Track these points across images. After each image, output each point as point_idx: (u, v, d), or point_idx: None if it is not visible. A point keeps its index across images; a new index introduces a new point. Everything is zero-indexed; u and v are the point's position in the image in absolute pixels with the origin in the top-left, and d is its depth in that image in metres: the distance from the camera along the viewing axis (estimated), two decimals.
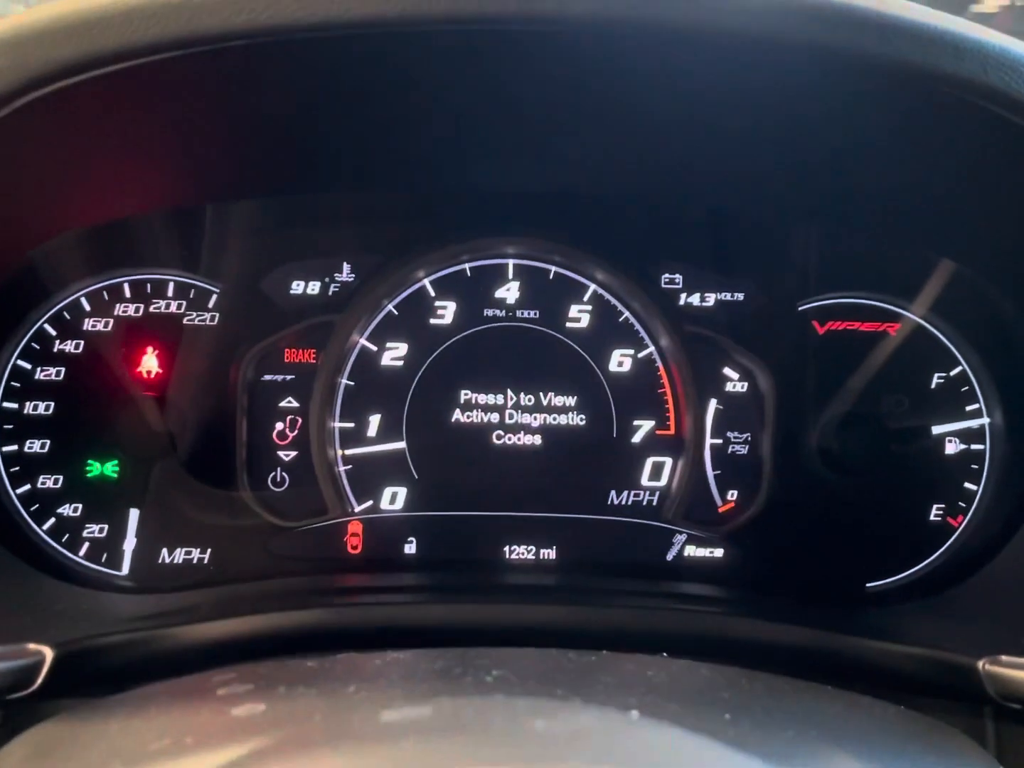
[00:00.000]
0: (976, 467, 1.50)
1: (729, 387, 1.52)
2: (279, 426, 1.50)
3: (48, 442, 1.45)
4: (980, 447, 1.51)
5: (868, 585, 1.50)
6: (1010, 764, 1.12)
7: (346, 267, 1.50)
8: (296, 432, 1.49)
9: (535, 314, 1.52)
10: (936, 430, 1.50)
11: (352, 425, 1.50)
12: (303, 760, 0.68)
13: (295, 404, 1.49)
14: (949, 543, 1.50)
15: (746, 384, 1.52)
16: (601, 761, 0.68)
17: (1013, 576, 1.40)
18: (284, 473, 1.50)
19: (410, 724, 0.73)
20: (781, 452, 1.51)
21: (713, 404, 1.52)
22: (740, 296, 1.52)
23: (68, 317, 1.47)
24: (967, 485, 1.50)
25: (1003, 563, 1.42)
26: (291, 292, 1.49)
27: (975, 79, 0.97)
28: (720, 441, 1.52)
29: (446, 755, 0.65)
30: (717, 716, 0.86)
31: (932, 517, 1.51)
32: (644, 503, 1.52)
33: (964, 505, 1.50)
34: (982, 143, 1.08)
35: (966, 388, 1.51)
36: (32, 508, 1.45)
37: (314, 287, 1.50)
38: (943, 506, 1.51)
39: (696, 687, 0.98)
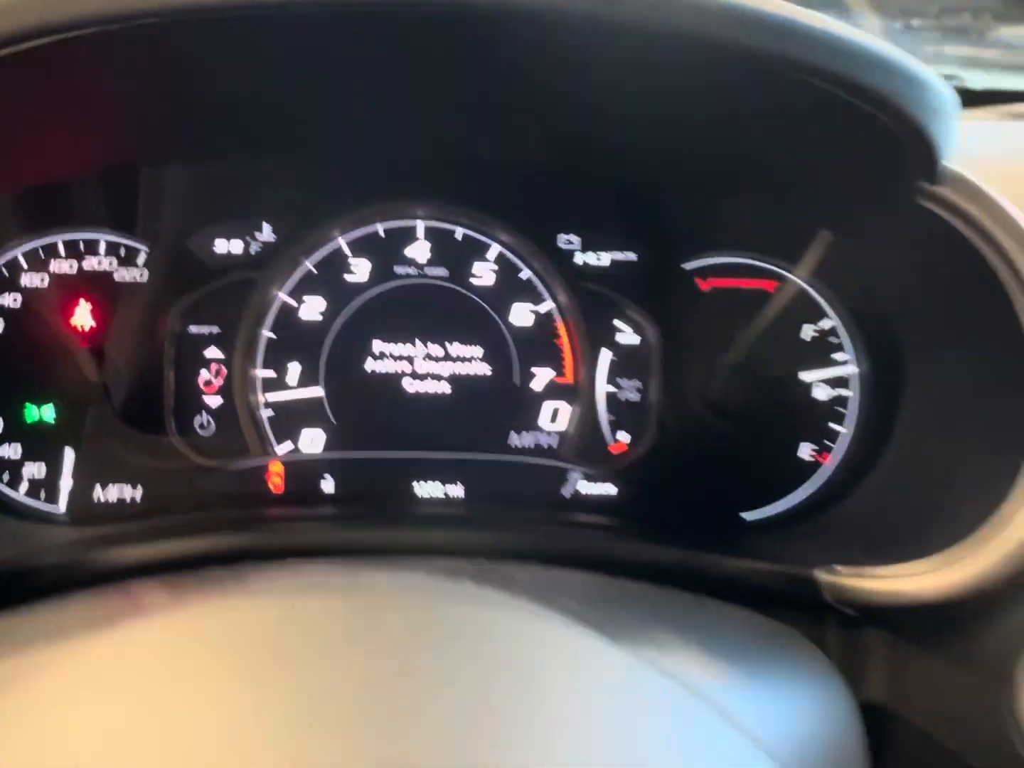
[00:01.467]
0: (843, 411, 1.63)
1: (621, 339, 1.64)
2: (205, 375, 1.59)
3: None
4: (848, 393, 1.64)
5: (745, 515, 1.64)
6: (843, 665, 1.26)
7: (266, 227, 1.59)
8: (221, 380, 1.60)
9: (444, 272, 1.62)
10: (807, 377, 1.63)
11: (273, 373, 1.60)
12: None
13: (220, 355, 1.59)
14: (817, 477, 1.64)
15: (637, 337, 1.65)
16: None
17: (868, 505, 1.55)
18: (210, 418, 1.60)
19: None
20: (668, 398, 1.63)
21: (608, 355, 1.64)
22: (632, 256, 1.64)
23: (6, 273, 1.56)
24: (834, 426, 1.64)
25: (860, 496, 1.58)
26: (215, 251, 1.58)
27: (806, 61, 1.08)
28: (613, 388, 1.64)
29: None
30: (565, 606, 0.97)
31: (803, 455, 1.65)
32: (543, 444, 1.65)
33: (832, 444, 1.64)
34: (823, 120, 1.20)
35: (836, 340, 1.64)
36: None
37: (237, 246, 1.59)
38: (814, 446, 1.65)
39: (553, 587, 1.10)
